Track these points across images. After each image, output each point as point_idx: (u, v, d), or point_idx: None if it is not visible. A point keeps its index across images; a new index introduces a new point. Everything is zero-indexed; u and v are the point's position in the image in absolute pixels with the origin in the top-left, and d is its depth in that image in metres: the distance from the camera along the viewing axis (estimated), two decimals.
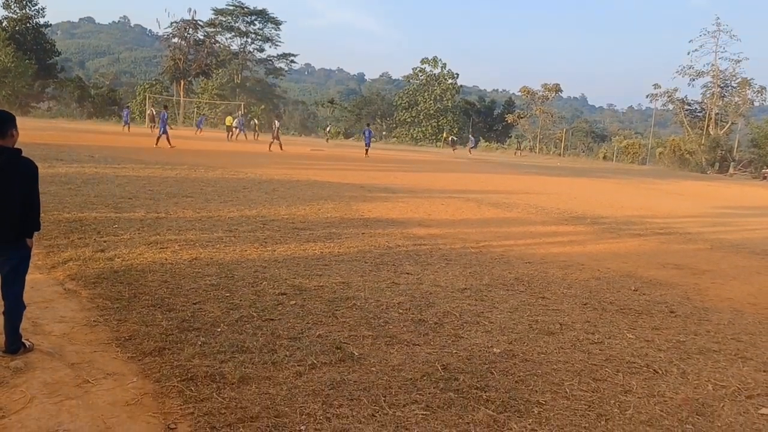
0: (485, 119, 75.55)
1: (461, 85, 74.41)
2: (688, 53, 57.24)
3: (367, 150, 32.82)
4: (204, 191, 12.80)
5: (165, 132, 26.20)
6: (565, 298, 6.47)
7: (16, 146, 4.07)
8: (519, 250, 9.07)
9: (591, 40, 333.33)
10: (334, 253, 7.85)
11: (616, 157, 57.96)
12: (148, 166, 16.70)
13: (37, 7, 65.30)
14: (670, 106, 62.37)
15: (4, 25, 62.69)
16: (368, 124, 40.36)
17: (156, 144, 25.98)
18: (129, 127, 42.36)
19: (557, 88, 65.43)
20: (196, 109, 68.41)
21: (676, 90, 60.23)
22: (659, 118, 71.33)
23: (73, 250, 6.90)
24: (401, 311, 5.56)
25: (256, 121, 52.26)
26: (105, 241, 7.48)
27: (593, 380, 4.27)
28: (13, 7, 64.05)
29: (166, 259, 6.84)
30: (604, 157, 58.33)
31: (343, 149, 38.05)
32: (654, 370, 4.58)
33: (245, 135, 43.42)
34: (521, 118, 67.53)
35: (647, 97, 62.79)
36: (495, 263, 7.95)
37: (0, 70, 56.81)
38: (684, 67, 57.76)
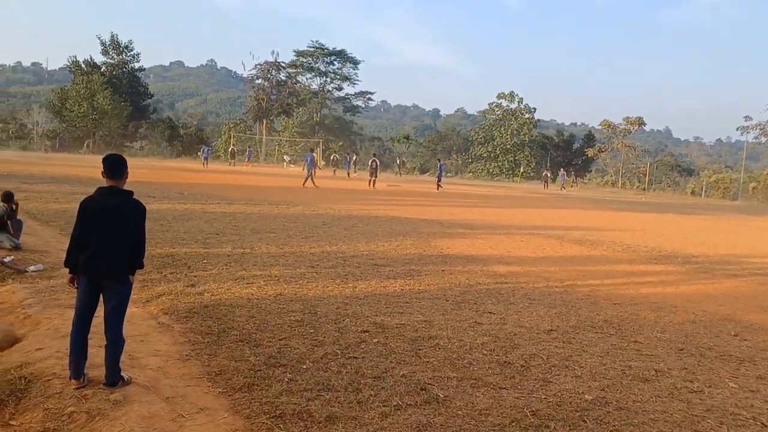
0: (564, 153, 74.14)
1: (538, 119, 73.52)
2: None
3: (439, 184, 32.80)
4: (286, 227, 13.11)
5: (311, 174, 27.88)
6: (660, 343, 6.16)
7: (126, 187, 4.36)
8: (606, 290, 8.73)
9: (674, 71, 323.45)
10: (415, 291, 7.82)
11: (705, 192, 55.38)
12: (233, 203, 17.31)
13: (132, 53, 69.82)
14: (763, 139, 59.30)
15: (102, 70, 67.28)
16: (439, 159, 40.47)
17: (303, 185, 27.46)
18: (207, 164, 44.47)
19: (640, 122, 63.46)
20: (277, 147, 70.72)
21: None
22: (751, 152, 67.89)
23: (166, 284, 7.20)
24: (485, 352, 5.45)
25: (337, 156, 53.55)
26: (195, 276, 7.76)
27: None
28: (111, 53, 68.73)
29: (253, 295, 7.01)
30: (692, 192, 55.79)
31: (419, 184, 38.18)
32: (762, 423, 4.27)
33: (348, 173, 43.89)
34: (602, 152, 65.81)
35: (738, 129, 60.05)
36: (581, 304, 7.69)
37: (98, 112, 60.80)
38: None
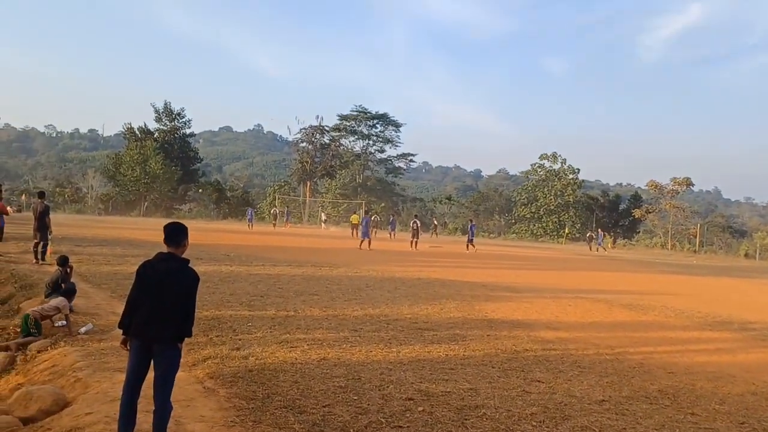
0: (610, 214, 72.97)
1: (583, 180, 72.87)
2: None
3: (468, 244, 32.25)
4: (329, 289, 13.14)
5: (367, 236, 28.62)
6: (718, 416, 5.86)
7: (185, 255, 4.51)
8: (659, 358, 8.41)
9: (721, 131, 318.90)
10: (460, 356, 7.68)
11: (760, 254, 53.45)
12: (277, 264, 17.50)
13: (184, 120, 72.77)
14: None
15: (155, 136, 70.15)
16: (471, 219, 40.41)
17: (360, 246, 28.08)
18: (252, 226, 45.44)
19: (688, 182, 62.20)
20: (320, 208, 71.74)
21: None
22: None
23: (211, 348, 7.26)
24: (535, 423, 5.27)
25: (378, 218, 53.90)
26: (240, 339, 7.81)
27: None
28: (164, 120, 71.79)
29: (296, 359, 7.00)
30: (746, 255, 53.88)
31: (461, 245, 37.96)
32: None
33: (390, 234, 43.68)
34: (649, 212, 64.55)
35: None
36: (634, 372, 7.41)
37: (150, 176, 63.06)
38: None
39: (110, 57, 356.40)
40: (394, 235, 42.54)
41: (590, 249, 46.17)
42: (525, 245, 50.66)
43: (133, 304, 4.39)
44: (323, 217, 58.18)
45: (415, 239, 30.51)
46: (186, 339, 4.12)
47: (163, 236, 4.51)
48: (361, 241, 29.00)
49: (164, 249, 4.54)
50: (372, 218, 31.93)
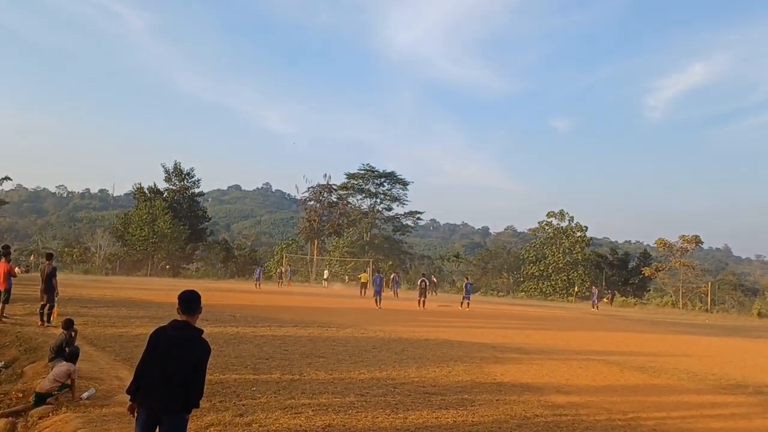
0: (619, 272, 72.45)
1: (591, 237, 72.72)
2: None
3: (465, 302, 32.60)
4: (335, 351, 12.97)
5: (379, 294, 29.69)
6: None
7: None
8: (673, 423, 8.18)
9: (728, 189, 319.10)
10: (468, 423, 7.50)
11: None
12: (283, 325, 17.35)
13: (193, 179, 73.73)
14: None
15: (165, 195, 70.98)
16: (467, 277, 40.58)
17: (377, 306, 28.56)
18: (259, 285, 45.38)
19: (697, 240, 61.90)
20: (327, 266, 71.68)
21: None
22: None
23: (214, 414, 7.13)
24: None
25: (397, 277, 53.65)
26: (244, 405, 7.67)
27: None
28: (173, 180, 72.78)
29: (300, 426, 6.86)
30: (759, 314, 52.95)
31: (472, 304, 37.59)
32: None
33: (395, 292, 43.58)
34: (659, 271, 64.04)
35: None
36: None
37: (158, 235, 63.42)
38: None
39: (121, 118, 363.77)
40: (397, 294, 42.38)
41: (593, 307, 45.49)
42: (533, 304, 50.10)
43: (142, 370, 4.36)
44: (325, 275, 57.98)
45: (423, 298, 30.29)
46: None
47: (177, 304, 4.52)
48: (376, 300, 29.44)
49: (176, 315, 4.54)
50: (392, 277, 31.87)
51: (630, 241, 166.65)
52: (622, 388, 10.78)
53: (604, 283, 69.63)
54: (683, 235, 62.22)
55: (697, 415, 8.85)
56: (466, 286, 34.19)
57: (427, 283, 31.78)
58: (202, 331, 4.50)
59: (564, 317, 32.23)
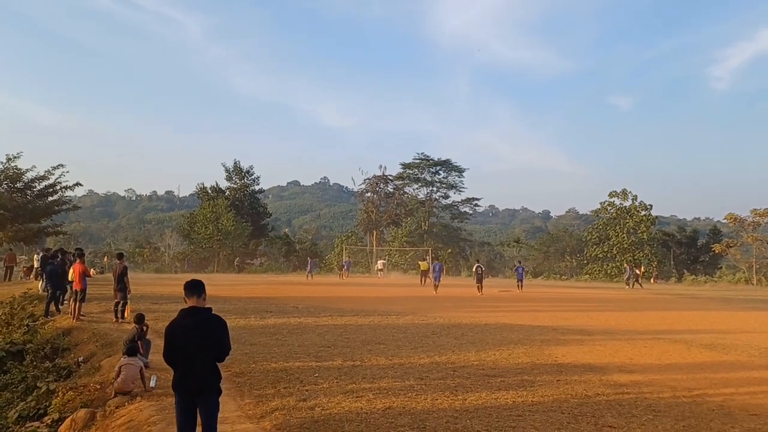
0: (688, 250, 69.95)
1: (657, 216, 70.33)
2: None
3: (519, 285, 34.17)
4: (395, 338, 13.15)
5: (438, 282, 30.57)
6: None
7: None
8: (741, 399, 7.96)
9: None
10: (528, 403, 7.53)
11: None
12: (344, 314, 17.67)
13: (253, 177, 75.48)
14: None
15: (227, 194, 72.92)
16: (519, 262, 41.88)
17: (435, 292, 29.59)
18: (311, 276, 46.31)
19: None
20: (387, 257, 72.12)
21: None
22: None
23: (279, 399, 7.41)
24: None
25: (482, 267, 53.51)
26: (307, 390, 7.93)
27: None
28: (234, 178, 74.68)
29: (362, 408, 7.04)
30: None
31: (532, 288, 37.14)
32: None
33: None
34: (730, 247, 61.40)
35: None
36: (713, 415, 7.05)
37: (222, 233, 65.24)
38: None
39: (186, 121, 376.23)
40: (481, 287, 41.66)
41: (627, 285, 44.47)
42: (598, 286, 49.02)
43: (172, 362, 4.63)
44: (379, 266, 58.16)
45: (480, 284, 30.27)
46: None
47: (184, 293, 4.76)
48: (435, 286, 30.22)
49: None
50: (476, 267, 31.87)
51: (699, 218, 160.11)
52: (688, 366, 10.53)
53: (672, 262, 67.42)
54: (755, 209, 59.43)
55: (766, 391, 8.57)
56: (517, 270, 35.53)
57: (483, 269, 31.83)
58: (211, 309, 4.74)
59: (629, 298, 31.45)
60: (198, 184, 75.76)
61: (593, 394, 8.10)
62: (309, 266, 48.79)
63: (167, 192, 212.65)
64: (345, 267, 54.54)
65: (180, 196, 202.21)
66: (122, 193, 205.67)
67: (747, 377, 9.61)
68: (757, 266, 58.47)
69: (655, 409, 7.33)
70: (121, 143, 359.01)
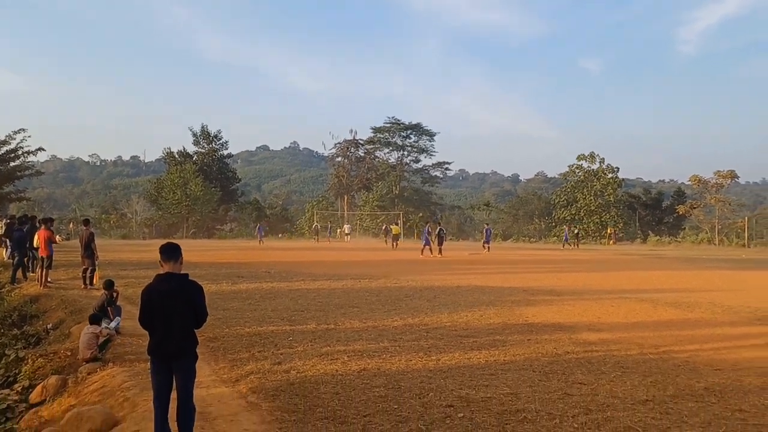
0: (653, 212, 71.40)
1: (623, 179, 71.43)
2: None
3: (486, 247, 35.22)
4: (369, 301, 13.23)
5: (428, 244, 30.46)
6: (767, 411, 5.70)
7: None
8: (706, 355, 8.22)
9: (763, 122, 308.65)
10: (500, 362, 7.66)
11: None
12: (317, 279, 17.68)
13: (221, 141, 74.33)
14: None
15: (194, 159, 71.77)
16: (487, 224, 42.93)
17: (421, 254, 30.09)
18: (262, 241, 46.87)
19: (732, 175, 60.39)
20: (358, 221, 72.16)
21: None
22: None
23: (254, 363, 7.41)
24: (576, 425, 5.23)
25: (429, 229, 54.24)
26: (281, 354, 7.95)
27: None
28: (202, 143, 73.45)
29: (337, 371, 7.09)
30: None
31: (503, 251, 37.65)
32: None
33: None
34: (694, 208, 62.86)
35: None
36: (679, 371, 7.26)
37: (191, 199, 64.41)
38: None
39: (149, 85, 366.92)
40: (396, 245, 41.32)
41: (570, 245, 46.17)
42: (567, 248, 49.87)
43: (148, 327, 4.58)
44: (346, 230, 58.40)
45: (440, 246, 30.64)
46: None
47: (160, 257, 4.65)
48: (422, 249, 30.77)
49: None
50: (438, 230, 32.02)
51: (664, 180, 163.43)
52: (655, 324, 10.82)
53: (637, 224, 68.78)
54: (718, 171, 60.81)
55: (730, 347, 8.86)
56: (486, 231, 36.80)
57: (445, 232, 32.30)
58: (188, 275, 4.67)
59: (597, 259, 32.10)
60: (165, 148, 74.39)
61: (563, 352, 8.27)
62: (258, 231, 49.13)
63: (133, 157, 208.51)
64: (327, 232, 55.07)
65: (146, 161, 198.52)
66: (86, 158, 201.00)
67: (711, 334, 9.90)
68: (720, 227, 60.06)
69: (623, 365, 7.52)
70: (85, 107, 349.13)
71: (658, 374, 7.08)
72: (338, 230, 61.63)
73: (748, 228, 57.53)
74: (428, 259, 28.65)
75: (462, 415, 5.50)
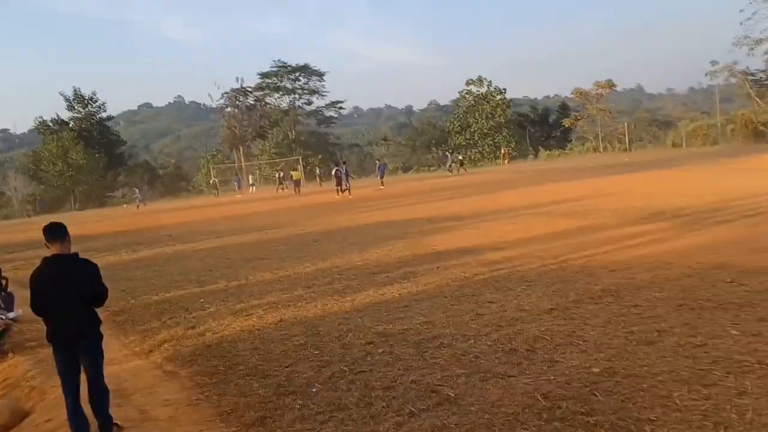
0: (542, 128, 74.35)
1: (511, 99, 73.57)
2: (741, 23, 53.68)
3: (382, 182, 35.81)
4: (278, 251, 13.12)
5: (343, 185, 30.67)
6: (659, 303, 6.23)
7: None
8: (601, 258, 8.81)
9: (636, 28, 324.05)
10: (413, 293, 7.86)
11: (686, 141, 55.69)
12: (221, 236, 17.29)
13: (98, 104, 69.59)
14: (733, 80, 59.60)
15: (71, 126, 67.04)
16: (378, 160, 44.72)
17: (339, 194, 30.52)
18: (143, 204, 46.42)
19: (610, 84, 63.76)
20: (258, 171, 70.67)
21: (735, 63, 57.51)
22: (724, 95, 68.11)
23: (166, 331, 7.21)
24: (490, 343, 5.49)
25: (318, 171, 53.99)
26: (194, 317, 7.77)
27: (703, 386, 4.07)
28: (76, 107, 68.49)
29: (254, 326, 7.03)
30: (673, 144, 55.99)
31: (403, 184, 38.24)
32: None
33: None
34: (578, 120, 66.09)
35: (706, 75, 60.37)
36: (578, 277, 7.75)
37: (74, 168, 60.54)
38: (740, 38, 55.01)
39: (10, 50, 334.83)
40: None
41: (451, 172, 47.66)
42: (464, 173, 51.32)
43: (42, 314, 4.27)
44: (250, 181, 57.48)
45: (340, 186, 30.63)
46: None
47: (44, 238, 4.29)
48: (341, 190, 30.79)
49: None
50: (335, 171, 31.67)
51: (549, 96, 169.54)
52: (552, 236, 11.43)
53: (528, 141, 71.52)
54: (597, 82, 63.88)
55: (621, 247, 9.53)
56: (380, 167, 37.54)
57: (342, 172, 31.36)
58: (77, 254, 4.36)
59: (493, 180, 33.28)
60: (37, 118, 68.79)
61: (471, 274, 8.60)
62: (138, 195, 48.26)
63: (2, 130, 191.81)
64: (237, 184, 53.99)
65: (17, 133, 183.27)
66: None
67: (603, 238, 10.60)
68: (603, 135, 63.59)
69: (527, 279, 7.93)
70: None
71: (559, 283, 7.52)
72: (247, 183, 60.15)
73: (628, 133, 61.25)
74: (350, 199, 28.55)
75: (382, 350, 5.64)
